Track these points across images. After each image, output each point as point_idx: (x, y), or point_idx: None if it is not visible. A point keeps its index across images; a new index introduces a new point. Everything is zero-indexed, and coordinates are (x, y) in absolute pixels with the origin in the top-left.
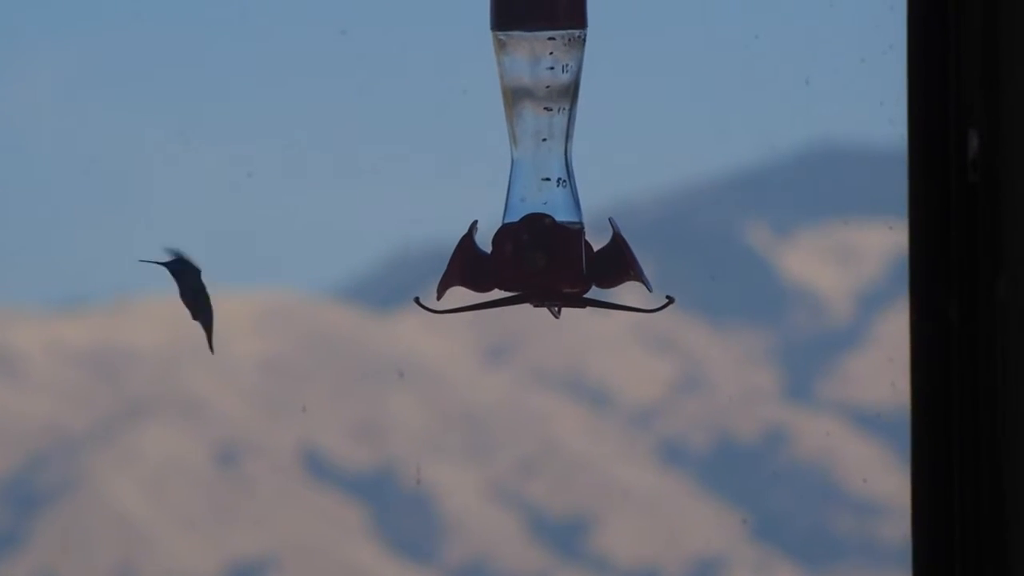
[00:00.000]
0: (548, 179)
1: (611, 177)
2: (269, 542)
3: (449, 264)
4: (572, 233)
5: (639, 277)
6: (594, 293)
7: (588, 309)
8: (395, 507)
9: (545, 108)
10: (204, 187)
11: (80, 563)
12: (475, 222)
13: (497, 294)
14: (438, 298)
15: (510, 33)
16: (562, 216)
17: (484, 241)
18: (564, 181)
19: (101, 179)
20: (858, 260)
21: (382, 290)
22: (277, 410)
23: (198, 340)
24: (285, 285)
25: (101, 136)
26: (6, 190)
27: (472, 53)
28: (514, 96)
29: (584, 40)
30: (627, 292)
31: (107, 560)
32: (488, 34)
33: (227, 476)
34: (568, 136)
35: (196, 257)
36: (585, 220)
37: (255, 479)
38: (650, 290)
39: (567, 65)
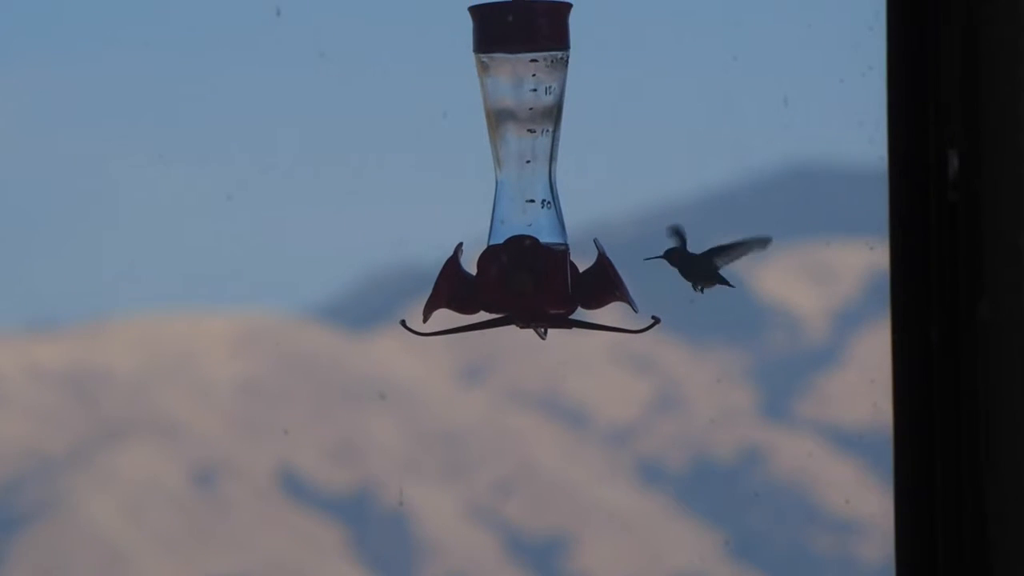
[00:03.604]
0: (532, 201)
1: (589, 197)
2: (247, 563)
3: (435, 286)
4: (557, 254)
5: (624, 297)
6: (579, 314)
7: (569, 330)
8: (373, 527)
9: (528, 130)
10: (183, 209)
11: None
12: (460, 244)
13: (483, 316)
14: (424, 320)
15: (493, 55)
16: (547, 237)
17: (469, 263)
18: (548, 202)
19: (78, 202)
20: (838, 280)
21: (360, 311)
22: (256, 431)
23: (174, 361)
24: (263, 306)
25: (79, 159)
26: None
27: (454, 75)
28: (497, 118)
29: (567, 61)
30: (611, 313)
31: None
32: (471, 56)
33: (205, 497)
34: (552, 158)
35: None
36: (568, 241)
37: (233, 500)
38: (635, 310)
39: (550, 87)
